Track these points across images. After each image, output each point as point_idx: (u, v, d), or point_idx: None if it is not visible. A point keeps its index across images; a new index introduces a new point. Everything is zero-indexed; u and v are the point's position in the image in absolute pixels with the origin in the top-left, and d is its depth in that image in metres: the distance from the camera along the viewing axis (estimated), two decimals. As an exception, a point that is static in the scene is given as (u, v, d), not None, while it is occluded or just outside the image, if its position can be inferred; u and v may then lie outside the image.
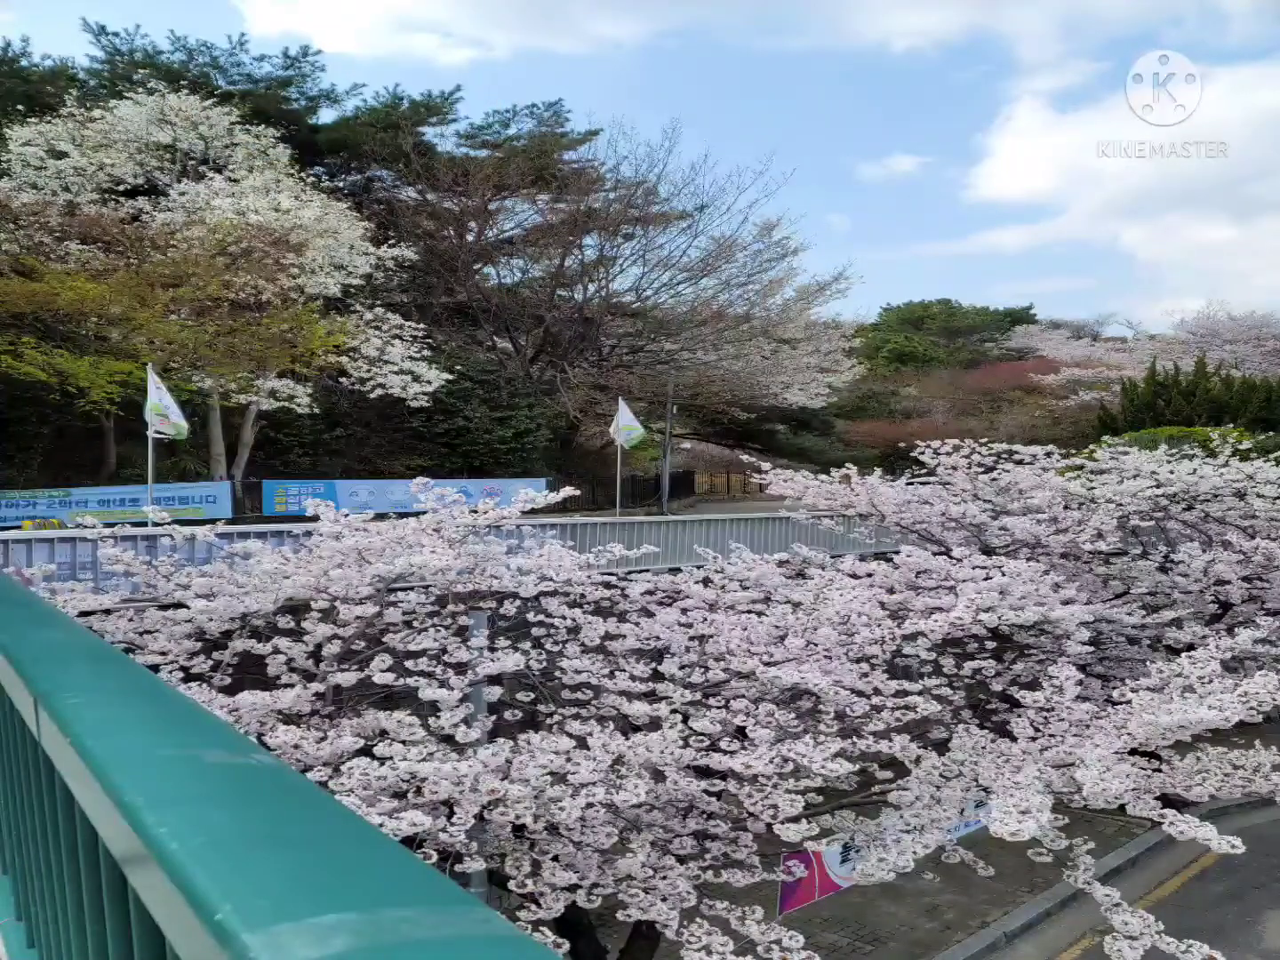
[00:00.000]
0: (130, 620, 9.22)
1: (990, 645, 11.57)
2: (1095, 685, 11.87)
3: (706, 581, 11.53)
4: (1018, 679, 12.10)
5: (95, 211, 24.98)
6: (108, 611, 9.21)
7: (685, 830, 8.51)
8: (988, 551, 13.81)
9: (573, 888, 7.56)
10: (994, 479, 15.75)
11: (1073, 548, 14.54)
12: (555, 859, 7.68)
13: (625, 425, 20.40)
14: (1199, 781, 8.30)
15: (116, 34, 34.49)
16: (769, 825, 7.61)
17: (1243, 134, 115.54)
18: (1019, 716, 9.07)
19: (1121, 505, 14.41)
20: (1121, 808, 7.85)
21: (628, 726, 8.71)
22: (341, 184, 35.87)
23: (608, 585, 10.74)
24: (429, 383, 27.13)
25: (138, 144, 28.25)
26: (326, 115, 37.79)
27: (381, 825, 6.19)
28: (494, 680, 9.04)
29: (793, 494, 15.41)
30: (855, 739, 8.49)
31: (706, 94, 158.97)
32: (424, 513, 10.83)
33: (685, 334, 38.52)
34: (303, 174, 29.85)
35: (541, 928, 7.10)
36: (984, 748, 8.72)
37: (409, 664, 8.53)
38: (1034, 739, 8.70)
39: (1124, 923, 7.54)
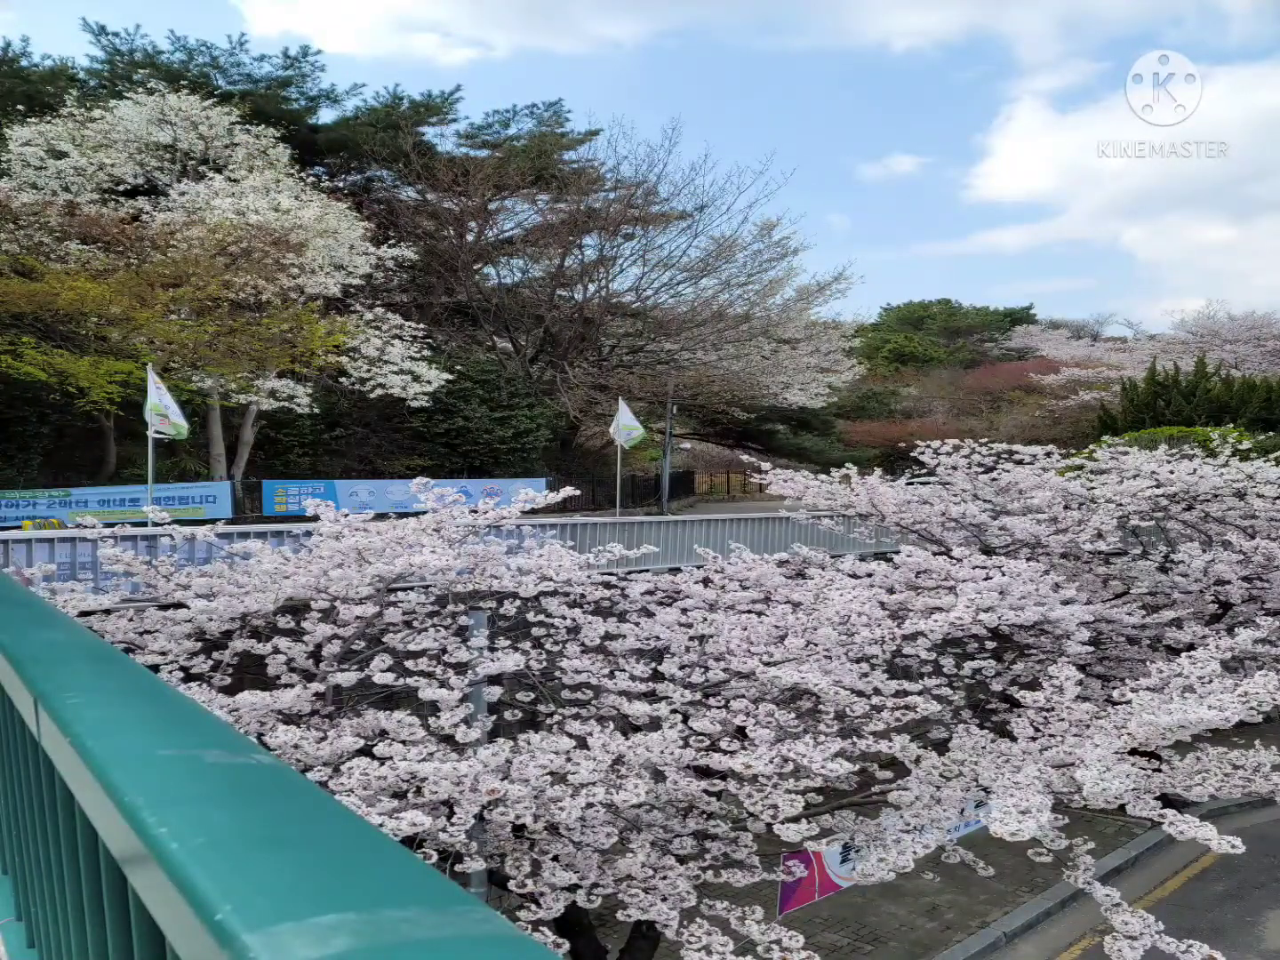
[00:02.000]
0: (130, 620, 9.22)
1: (990, 645, 11.58)
2: (1095, 685, 11.88)
3: (706, 581, 11.53)
4: (1018, 679, 12.11)
5: (95, 211, 24.96)
6: (108, 611, 9.21)
7: (685, 830, 8.52)
8: (988, 551, 13.81)
9: (573, 888, 7.56)
10: (994, 479, 15.75)
11: (1073, 548, 14.54)
12: (555, 859, 7.67)
13: (625, 425, 20.39)
14: (1199, 781, 8.30)
15: (116, 34, 34.52)
16: (769, 825, 7.61)
17: (1243, 134, 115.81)
18: (1019, 716, 9.07)
19: (1121, 505, 14.41)
20: (1121, 808, 7.85)
21: (628, 726, 8.71)
22: (341, 184, 35.85)
23: (608, 585, 10.75)
24: (429, 383, 27.13)
25: (138, 144, 28.25)
26: (326, 115, 37.84)
27: (381, 825, 6.19)
28: (494, 680, 9.04)
29: (793, 494, 15.41)
30: (855, 739, 8.49)
31: (706, 94, 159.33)
32: (424, 513, 10.83)
33: (685, 334, 38.51)
34: (303, 174, 29.85)
35: (541, 928, 7.10)
36: (984, 748, 8.72)
37: (409, 664, 8.53)
38: (1034, 739, 8.70)
39: (1124, 923, 7.54)
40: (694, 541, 14.54)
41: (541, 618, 9.99)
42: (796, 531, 16.52)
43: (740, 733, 8.43)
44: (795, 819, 7.44)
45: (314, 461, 29.93)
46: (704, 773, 8.19)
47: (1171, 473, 14.77)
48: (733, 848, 8.51)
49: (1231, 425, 22.98)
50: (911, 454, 16.69)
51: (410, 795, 6.92)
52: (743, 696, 8.99)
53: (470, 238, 38.61)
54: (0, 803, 2.29)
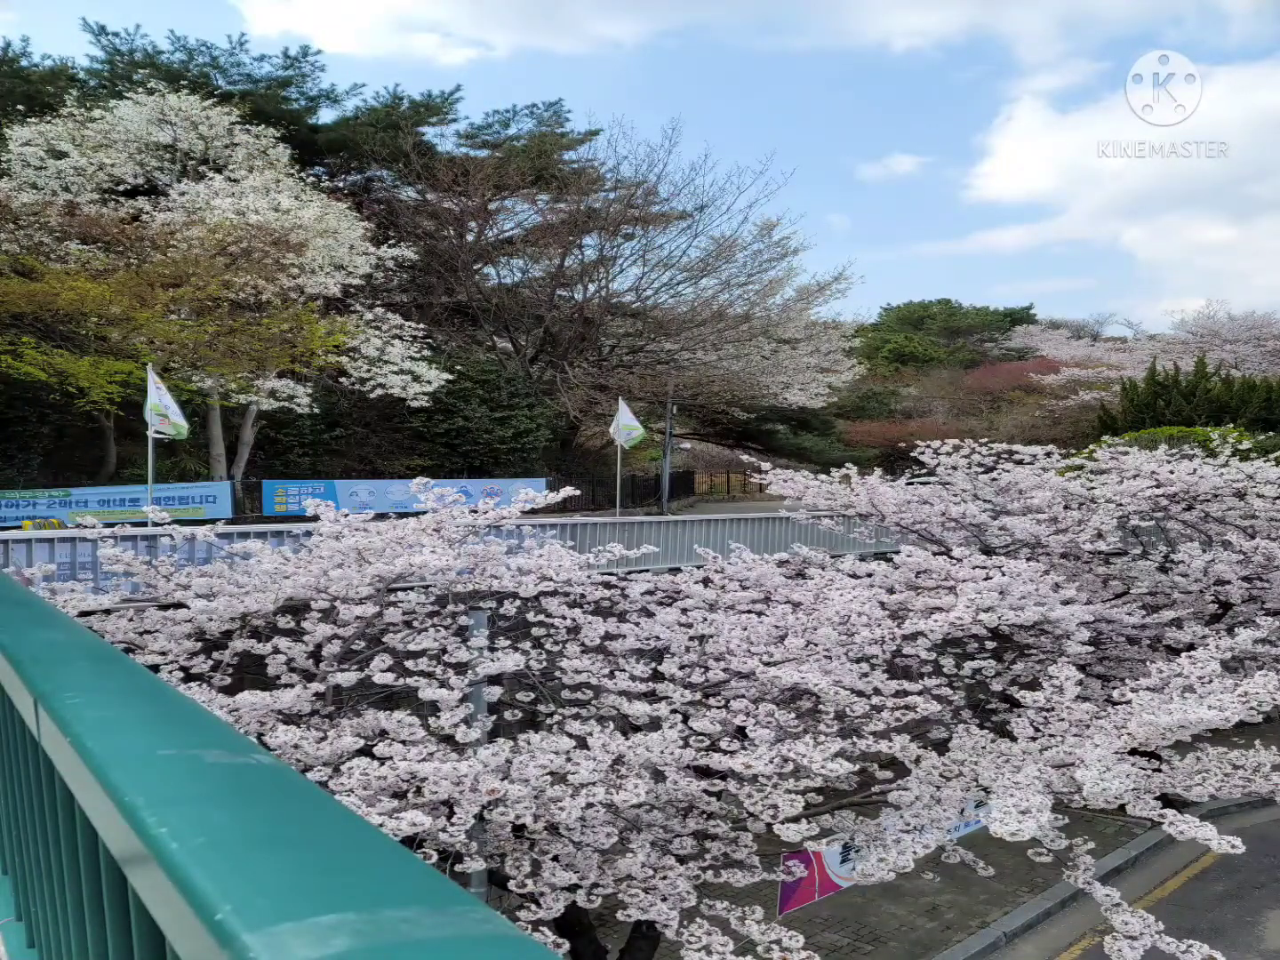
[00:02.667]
0: (130, 620, 9.22)
1: (990, 645, 11.57)
2: (1095, 685, 11.87)
3: (706, 581, 11.53)
4: (1018, 679, 12.11)
5: (95, 211, 24.97)
6: (108, 611, 9.21)
7: (685, 830, 8.51)
8: (988, 551, 13.81)
9: (573, 888, 7.56)
10: (994, 479, 15.75)
11: (1073, 548, 14.54)
12: (555, 859, 7.67)
13: (625, 425, 20.39)
14: (1199, 781, 8.30)
15: (116, 34, 34.51)
16: (769, 825, 7.61)
17: (1243, 134, 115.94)
18: (1019, 716, 9.07)
19: (1121, 505, 14.40)
20: (1121, 808, 7.85)
21: (628, 726, 8.71)
22: (341, 184, 35.85)
23: (608, 585, 10.74)
24: (429, 383, 27.13)
25: (138, 144, 28.25)
26: (326, 115, 37.83)
27: (381, 825, 6.19)
28: (494, 680, 9.04)
29: (793, 494, 15.41)
30: (855, 739, 8.49)
31: (706, 94, 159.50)
32: (424, 513, 10.83)
33: (685, 334, 38.50)
34: (303, 174, 29.85)
35: (541, 928, 7.10)
36: (984, 748, 8.72)
37: (409, 664, 8.53)
38: (1034, 739, 8.70)
39: (1124, 923, 7.54)
40: (694, 541, 14.55)
41: (541, 618, 9.99)
42: (796, 531, 16.52)
43: (740, 733, 8.42)
44: (795, 819, 7.44)
45: (314, 461, 29.93)
46: (704, 773, 8.19)
47: (1171, 473, 14.77)
48: (733, 848, 8.51)
49: (1231, 425, 22.98)
50: (911, 454, 16.69)
51: (410, 795, 6.92)
52: (743, 696, 8.99)
53: (470, 238, 38.61)
54: (0, 803, 2.29)
